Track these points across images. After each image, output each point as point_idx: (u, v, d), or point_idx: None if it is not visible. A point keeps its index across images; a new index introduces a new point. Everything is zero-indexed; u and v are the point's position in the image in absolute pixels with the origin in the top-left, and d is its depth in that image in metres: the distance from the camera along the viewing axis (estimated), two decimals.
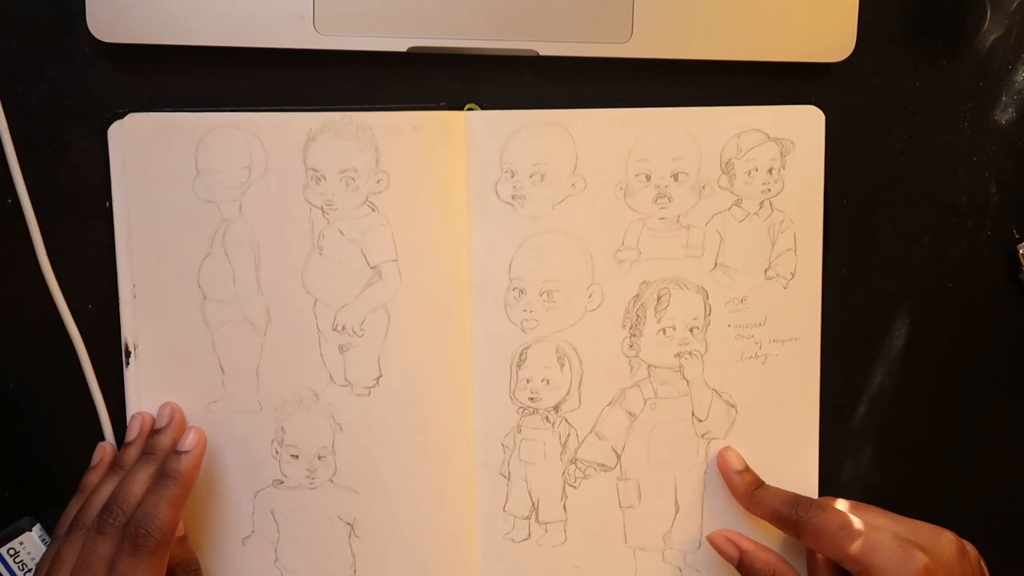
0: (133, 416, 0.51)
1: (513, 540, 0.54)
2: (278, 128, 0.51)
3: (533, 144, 0.52)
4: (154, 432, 0.51)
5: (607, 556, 0.54)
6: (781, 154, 0.53)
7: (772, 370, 0.54)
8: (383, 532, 0.53)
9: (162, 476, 0.48)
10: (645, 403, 0.54)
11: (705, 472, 0.54)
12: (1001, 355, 0.56)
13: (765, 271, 0.54)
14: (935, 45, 0.54)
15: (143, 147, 0.51)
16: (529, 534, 0.54)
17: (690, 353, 0.54)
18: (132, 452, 0.50)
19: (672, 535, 0.55)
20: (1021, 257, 0.55)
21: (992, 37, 0.54)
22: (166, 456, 0.49)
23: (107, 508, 0.46)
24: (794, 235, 0.54)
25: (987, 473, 0.56)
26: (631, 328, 0.53)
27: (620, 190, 0.52)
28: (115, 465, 0.50)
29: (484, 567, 0.54)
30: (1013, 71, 0.55)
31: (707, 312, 0.54)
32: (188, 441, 0.49)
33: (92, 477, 0.50)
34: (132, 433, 0.51)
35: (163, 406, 0.51)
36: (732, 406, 0.54)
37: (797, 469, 0.54)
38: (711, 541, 0.54)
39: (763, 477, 0.54)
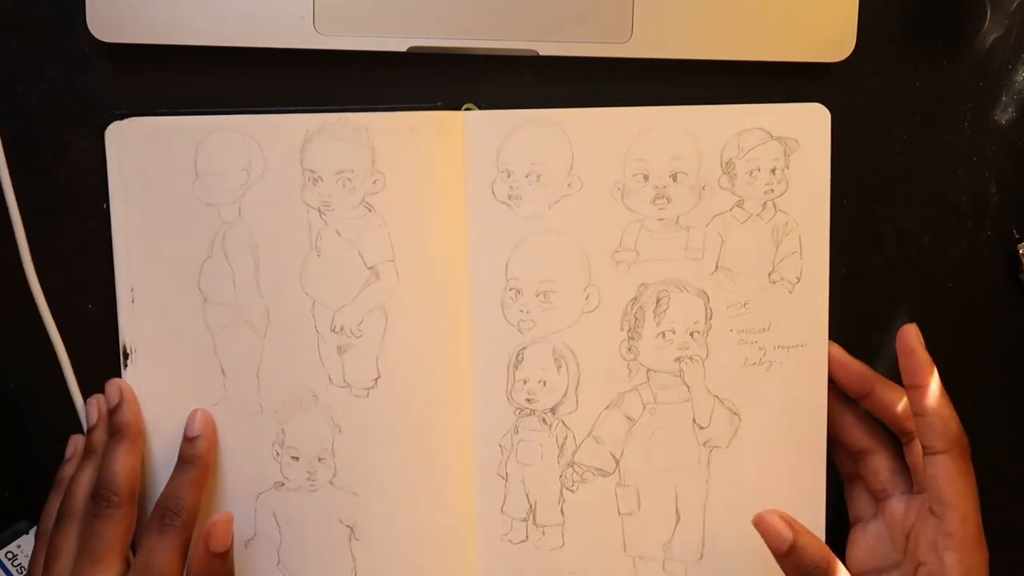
0: (89, 401, 0.52)
1: (511, 542, 0.53)
2: (275, 130, 0.51)
3: (529, 144, 0.51)
4: (111, 412, 0.51)
5: (606, 563, 0.54)
6: (785, 153, 0.52)
7: (777, 377, 0.53)
8: (382, 534, 0.53)
9: (181, 461, 0.50)
10: (644, 408, 0.53)
11: (707, 481, 0.53)
12: (1001, 355, 0.56)
13: (769, 274, 0.53)
14: (935, 45, 0.54)
15: (142, 151, 0.51)
16: (527, 536, 0.53)
17: (690, 358, 0.53)
18: (99, 435, 0.51)
19: (672, 545, 0.54)
20: (1021, 257, 0.55)
21: (992, 37, 0.54)
22: (134, 429, 0.50)
23: (96, 494, 0.48)
24: (799, 237, 0.52)
25: (987, 473, 0.56)
26: (629, 331, 0.53)
27: (617, 190, 0.52)
28: (86, 451, 0.50)
29: (483, 568, 0.53)
30: (1013, 71, 0.55)
31: (708, 316, 0.53)
32: (196, 426, 0.51)
33: (67, 469, 0.51)
34: (92, 417, 0.51)
35: (109, 384, 0.51)
36: (735, 414, 0.53)
37: (803, 482, 0.53)
38: (761, 520, 0.49)
39: (766, 490, 0.53)
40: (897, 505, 0.52)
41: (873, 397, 0.52)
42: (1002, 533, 0.50)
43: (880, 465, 0.53)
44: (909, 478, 0.52)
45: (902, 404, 0.51)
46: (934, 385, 0.49)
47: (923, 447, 0.49)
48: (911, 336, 0.49)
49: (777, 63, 0.52)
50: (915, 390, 0.49)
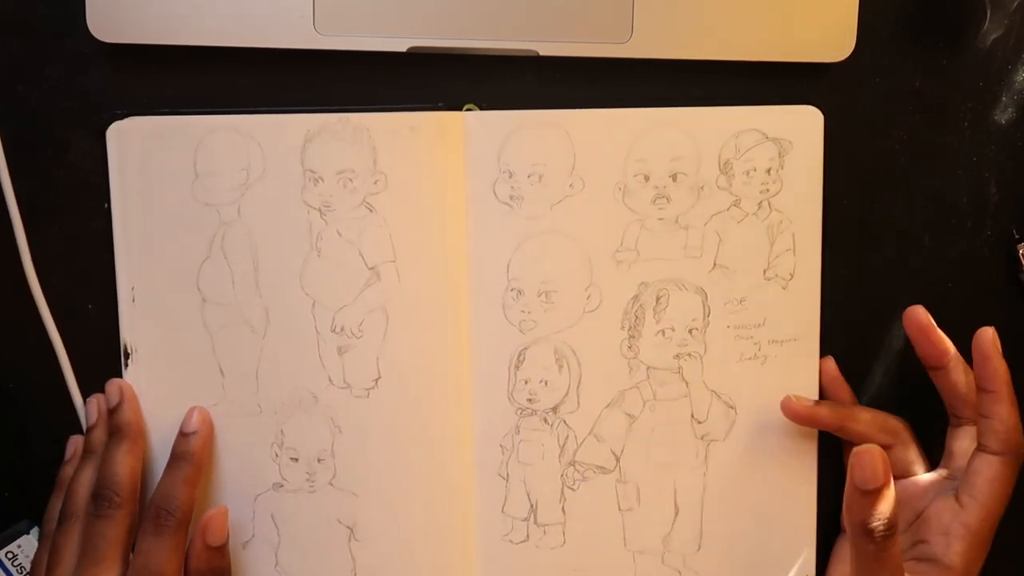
0: (89, 400, 0.52)
1: (512, 541, 0.53)
2: (276, 130, 0.51)
3: (531, 144, 0.52)
4: (111, 412, 0.51)
5: (606, 559, 0.54)
6: (779, 154, 0.53)
7: (771, 371, 0.54)
8: (382, 535, 0.53)
9: (174, 458, 0.50)
10: (644, 405, 0.53)
11: (705, 474, 0.54)
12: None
13: (764, 271, 0.53)
14: (935, 45, 0.54)
15: (142, 151, 0.51)
16: (528, 536, 0.54)
17: (689, 354, 0.53)
18: (98, 434, 0.51)
19: (671, 537, 0.54)
20: (1021, 257, 0.55)
21: (992, 37, 0.54)
22: (135, 429, 0.50)
23: (98, 495, 0.48)
24: (792, 235, 0.53)
25: None
26: (630, 329, 0.53)
27: (618, 190, 0.52)
28: (86, 451, 0.50)
29: (483, 569, 0.53)
30: (1013, 71, 0.55)
31: (706, 313, 0.53)
32: (193, 422, 0.50)
33: (68, 470, 0.51)
34: (92, 416, 0.51)
35: (110, 383, 0.51)
36: (732, 407, 0.54)
37: (796, 470, 0.54)
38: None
39: (761, 477, 0.54)
40: (916, 484, 0.52)
41: (943, 374, 0.52)
42: (1001, 532, 0.50)
43: (904, 455, 0.53)
44: (927, 461, 0.53)
45: (964, 387, 0.51)
46: (1005, 391, 0.50)
47: (979, 443, 0.50)
48: (987, 343, 0.50)
49: (777, 63, 0.52)
50: (986, 394, 0.50)
